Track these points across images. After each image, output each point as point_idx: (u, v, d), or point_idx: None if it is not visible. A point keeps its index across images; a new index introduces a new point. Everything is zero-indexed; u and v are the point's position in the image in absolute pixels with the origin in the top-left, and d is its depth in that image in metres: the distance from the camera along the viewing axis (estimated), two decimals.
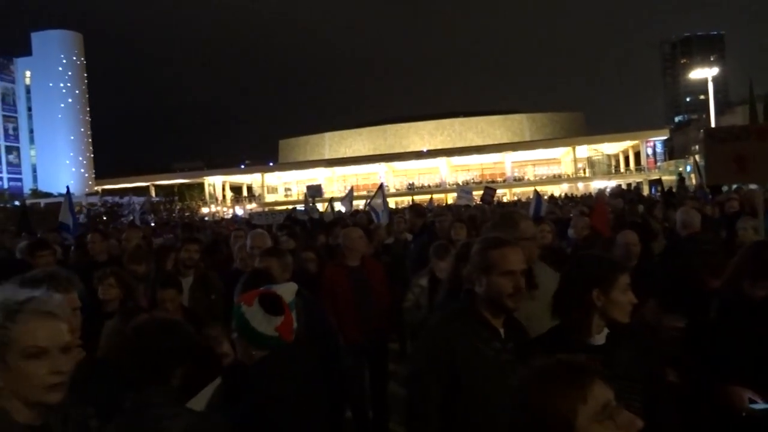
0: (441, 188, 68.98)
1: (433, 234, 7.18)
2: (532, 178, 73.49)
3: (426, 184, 74.04)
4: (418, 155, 76.50)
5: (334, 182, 75.12)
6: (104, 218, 33.99)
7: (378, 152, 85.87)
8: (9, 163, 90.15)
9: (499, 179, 69.81)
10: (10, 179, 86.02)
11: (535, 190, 13.34)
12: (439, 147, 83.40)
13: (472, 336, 2.47)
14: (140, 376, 2.17)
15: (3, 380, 1.55)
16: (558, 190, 59.98)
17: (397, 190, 73.35)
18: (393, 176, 78.16)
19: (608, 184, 56.59)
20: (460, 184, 73.89)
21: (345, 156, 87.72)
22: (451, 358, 2.44)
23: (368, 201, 13.89)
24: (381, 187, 12.13)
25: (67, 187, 12.15)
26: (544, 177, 74.31)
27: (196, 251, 5.29)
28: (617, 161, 78.96)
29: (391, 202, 55.79)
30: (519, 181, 71.28)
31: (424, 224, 8.07)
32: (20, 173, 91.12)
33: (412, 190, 71.44)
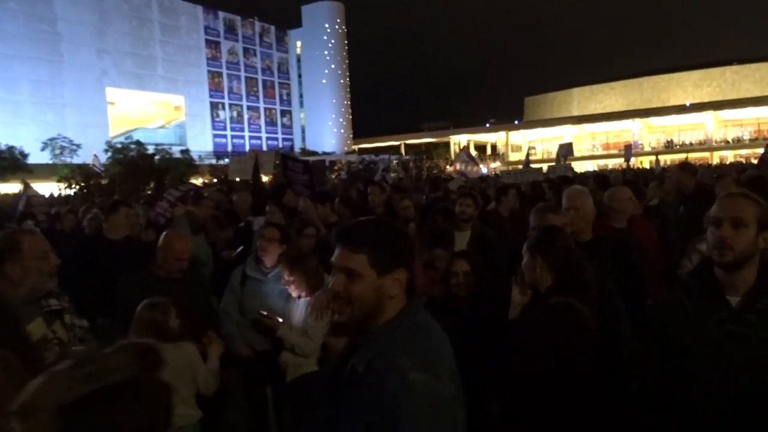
0: (705, 146, 61.75)
1: (710, 197, 6.49)
2: None
3: (687, 142, 66.91)
4: (680, 109, 69.11)
5: (582, 140, 71.43)
6: (362, 174, 36.99)
7: (632, 107, 79.55)
8: (283, 125, 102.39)
9: None
10: (283, 139, 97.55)
11: None
12: (706, 100, 74.35)
13: None
14: None
15: None
16: None
17: (652, 148, 67.52)
18: (648, 133, 71.90)
19: None
20: (730, 141, 65.34)
21: (594, 113, 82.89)
22: None
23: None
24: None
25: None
26: None
27: (469, 205, 5.26)
28: None
29: (645, 162, 51.86)
30: None
31: (698, 185, 7.31)
32: (292, 134, 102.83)
33: (670, 147, 65.13)
